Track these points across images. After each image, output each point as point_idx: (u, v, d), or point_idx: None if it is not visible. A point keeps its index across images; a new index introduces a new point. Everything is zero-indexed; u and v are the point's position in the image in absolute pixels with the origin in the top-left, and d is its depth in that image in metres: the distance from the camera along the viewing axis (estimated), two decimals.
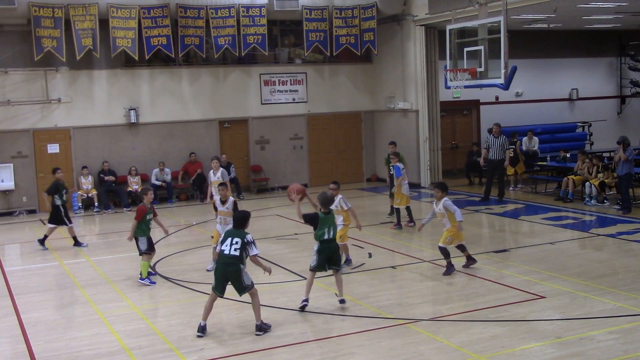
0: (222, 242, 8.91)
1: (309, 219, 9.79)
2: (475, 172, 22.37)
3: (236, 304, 10.27)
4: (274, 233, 15.70)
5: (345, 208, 11.66)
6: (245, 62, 22.20)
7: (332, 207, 10.77)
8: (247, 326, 9.30)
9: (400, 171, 15.29)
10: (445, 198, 11.45)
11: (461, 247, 11.65)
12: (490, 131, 19.24)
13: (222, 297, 8.95)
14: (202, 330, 8.89)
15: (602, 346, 8.06)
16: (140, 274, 11.72)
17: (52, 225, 14.90)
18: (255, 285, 9.03)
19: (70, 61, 19.61)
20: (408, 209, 15.54)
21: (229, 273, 8.77)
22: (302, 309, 9.77)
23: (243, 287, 8.81)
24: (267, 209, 19.13)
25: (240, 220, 9.13)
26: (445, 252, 11.48)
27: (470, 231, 15.57)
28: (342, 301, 9.94)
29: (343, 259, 11.39)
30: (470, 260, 11.77)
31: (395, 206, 15.68)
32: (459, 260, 11.90)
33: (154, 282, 11.73)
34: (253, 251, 8.91)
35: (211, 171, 14.83)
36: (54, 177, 15.22)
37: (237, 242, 8.77)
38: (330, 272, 9.99)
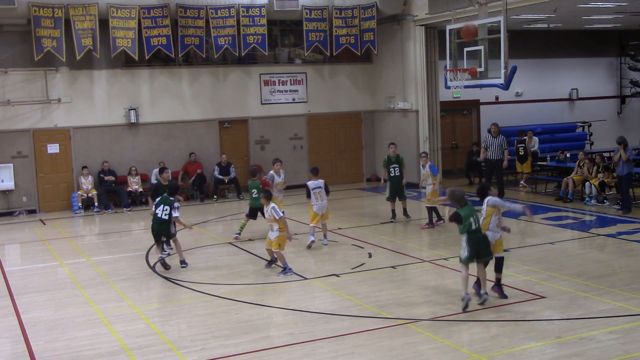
0: (156, 206, 12.44)
1: (455, 218, 9.63)
2: (475, 172, 22.36)
3: (236, 304, 10.28)
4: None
5: (277, 217, 11.66)
6: (245, 62, 22.19)
7: (266, 216, 11.79)
8: (247, 326, 9.31)
9: (436, 169, 15.76)
10: (430, 162, 14.50)
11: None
12: (489, 131, 19.28)
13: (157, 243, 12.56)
14: None
15: (602, 346, 8.06)
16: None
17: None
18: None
19: (70, 61, 19.61)
20: (434, 208, 15.56)
21: (162, 230, 12.40)
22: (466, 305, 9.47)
23: (170, 235, 12.55)
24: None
25: (173, 190, 13.03)
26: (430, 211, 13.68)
27: None
28: (484, 294, 9.69)
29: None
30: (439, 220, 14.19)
31: (428, 205, 15.57)
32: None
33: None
34: (175, 214, 12.40)
35: (271, 172, 14.89)
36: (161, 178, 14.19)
37: (166, 209, 12.35)
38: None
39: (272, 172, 14.90)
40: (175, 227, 12.78)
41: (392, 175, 15.98)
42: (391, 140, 22.95)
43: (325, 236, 14.20)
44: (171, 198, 12.53)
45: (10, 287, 11.85)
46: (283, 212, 11.88)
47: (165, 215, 12.35)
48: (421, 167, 15.72)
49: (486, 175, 19.29)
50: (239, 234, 14.88)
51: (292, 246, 14.20)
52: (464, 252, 9.62)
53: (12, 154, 19.64)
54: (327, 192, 14.09)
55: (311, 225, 13.96)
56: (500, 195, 18.65)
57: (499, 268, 10.08)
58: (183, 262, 12.61)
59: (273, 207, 11.68)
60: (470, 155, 22.76)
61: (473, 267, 9.82)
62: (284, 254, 11.91)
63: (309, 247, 13.81)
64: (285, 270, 11.84)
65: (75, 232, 17.52)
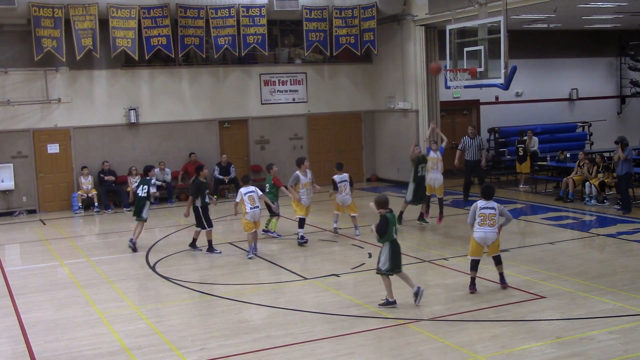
0: (137, 187, 14.38)
1: (382, 229, 9.63)
2: (475, 173, 22.29)
3: (236, 304, 10.28)
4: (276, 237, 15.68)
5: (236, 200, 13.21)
6: (245, 62, 22.20)
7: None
8: (247, 326, 9.31)
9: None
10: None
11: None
12: (476, 133, 19.42)
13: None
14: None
15: (602, 346, 8.06)
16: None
17: (198, 229, 13.69)
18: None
19: (70, 61, 19.60)
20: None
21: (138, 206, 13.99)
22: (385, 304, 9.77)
23: (140, 215, 14.14)
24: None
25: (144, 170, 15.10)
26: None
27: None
28: (420, 291, 9.85)
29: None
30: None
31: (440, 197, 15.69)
32: (460, 260, 11.88)
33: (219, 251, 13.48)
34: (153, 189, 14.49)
35: (297, 172, 14.25)
36: (199, 176, 13.77)
37: (145, 188, 14.19)
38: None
39: (297, 172, 14.32)
40: (146, 212, 14.38)
41: (419, 175, 15.51)
42: (391, 140, 23.11)
43: (356, 227, 14.93)
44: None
45: (10, 287, 11.85)
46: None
47: (144, 192, 14.28)
48: (432, 152, 15.78)
49: (465, 176, 19.24)
50: (274, 232, 15.21)
51: (293, 246, 14.20)
52: (386, 264, 9.67)
53: (12, 154, 19.64)
54: (352, 185, 14.89)
55: (335, 212, 15.03)
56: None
57: (500, 262, 10.51)
58: (132, 242, 14.19)
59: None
60: None
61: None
62: (252, 238, 13.19)
63: (335, 232, 15.00)
64: (249, 253, 13.17)
65: (75, 232, 17.51)
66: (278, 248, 14.18)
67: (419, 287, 9.81)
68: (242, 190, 13.18)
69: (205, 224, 13.51)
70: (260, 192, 13.32)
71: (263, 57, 21.93)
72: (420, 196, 15.57)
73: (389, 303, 9.75)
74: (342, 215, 15.06)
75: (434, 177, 15.55)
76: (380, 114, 23.63)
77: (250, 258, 13.11)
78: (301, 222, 14.27)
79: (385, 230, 9.54)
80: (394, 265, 9.68)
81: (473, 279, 10.41)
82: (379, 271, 9.80)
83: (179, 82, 21.46)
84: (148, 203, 14.49)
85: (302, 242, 14.14)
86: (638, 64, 27.06)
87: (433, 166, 15.52)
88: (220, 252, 13.53)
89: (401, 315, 9.44)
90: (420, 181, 15.52)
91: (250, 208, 12.95)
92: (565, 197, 18.19)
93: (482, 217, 10.21)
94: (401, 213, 15.61)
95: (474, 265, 10.38)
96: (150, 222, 17.91)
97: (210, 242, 13.67)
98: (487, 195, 10.34)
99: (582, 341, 8.24)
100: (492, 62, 15.69)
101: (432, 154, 15.68)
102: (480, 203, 10.28)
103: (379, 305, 9.78)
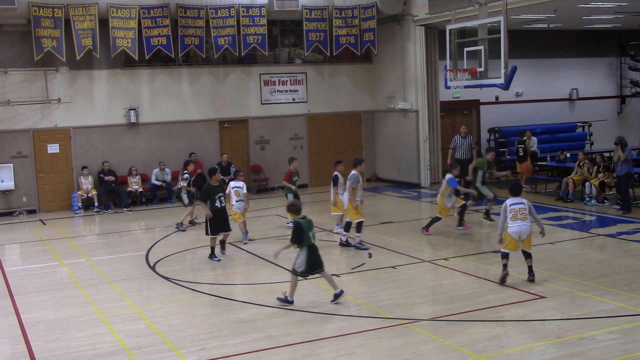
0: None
1: (297, 237, 9.89)
2: (465, 172, 22.30)
3: (236, 304, 10.29)
4: (274, 233, 15.70)
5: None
6: (245, 62, 22.20)
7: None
8: (247, 326, 9.31)
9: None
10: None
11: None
12: (472, 132, 19.46)
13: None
14: None
15: (602, 346, 8.06)
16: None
17: (213, 236, 13.11)
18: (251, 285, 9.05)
19: (70, 61, 19.61)
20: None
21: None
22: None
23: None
24: (267, 208, 19.12)
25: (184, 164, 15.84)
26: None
27: (471, 231, 15.58)
28: (340, 294, 10.04)
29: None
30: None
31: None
32: (461, 260, 11.87)
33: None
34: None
35: (356, 173, 13.69)
36: (211, 180, 13.46)
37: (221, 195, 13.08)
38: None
39: (356, 172, 13.50)
40: (186, 199, 16.34)
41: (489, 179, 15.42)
42: (391, 140, 23.11)
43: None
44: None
45: (10, 287, 11.85)
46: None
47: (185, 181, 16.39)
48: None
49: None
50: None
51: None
52: (302, 267, 9.86)
53: (12, 154, 19.64)
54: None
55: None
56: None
57: (529, 256, 10.81)
58: (179, 225, 15.76)
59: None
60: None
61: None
62: (243, 227, 14.36)
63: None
64: (245, 239, 14.30)
65: (75, 232, 17.51)
66: (278, 248, 14.15)
67: (341, 290, 10.04)
68: (232, 184, 14.50)
69: (209, 230, 12.97)
70: (245, 189, 14.47)
71: (263, 57, 21.93)
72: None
73: (287, 301, 9.92)
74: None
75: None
76: (380, 114, 23.63)
77: (245, 243, 14.18)
78: (359, 226, 13.57)
79: (301, 236, 9.79)
80: (310, 269, 9.88)
81: (505, 265, 10.75)
82: (293, 272, 9.98)
83: (179, 82, 21.46)
84: (183, 194, 16.56)
85: (364, 248, 13.48)
86: (638, 64, 27.06)
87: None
88: (219, 260, 13.05)
89: (401, 315, 9.44)
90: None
91: (236, 201, 14.30)
92: (565, 197, 18.19)
93: (513, 213, 10.65)
94: (487, 212, 15.82)
95: (505, 255, 10.78)
96: (150, 222, 17.98)
97: (212, 249, 13.18)
98: (515, 192, 10.87)
99: (582, 341, 8.24)
100: (492, 62, 15.70)
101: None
102: (509, 201, 10.77)
103: (278, 298, 10.02)
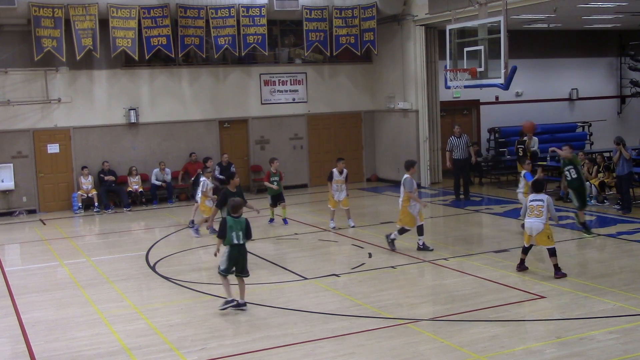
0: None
1: (221, 232, 9.87)
2: (475, 172, 22.37)
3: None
4: (273, 233, 15.70)
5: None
6: (245, 62, 22.19)
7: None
8: (247, 326, 9.31)
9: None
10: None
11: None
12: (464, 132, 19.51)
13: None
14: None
15: (602, 346, 8.06)
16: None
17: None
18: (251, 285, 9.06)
19: (70, 61, 19.60)
20: None
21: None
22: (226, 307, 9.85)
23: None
24: (267, 209, 19.10)
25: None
26: (553, 252, 11.08)
27: (471, 231, 15.61)
28: (242, 304, 9.93)
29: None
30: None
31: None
32: (461, 260, 11.85)
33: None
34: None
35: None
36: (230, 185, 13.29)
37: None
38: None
39: (408, 175, 13.11)
40: (197, 195, 16.05)
41: (568, 179, 14.42)
42: (391, 140, 23.10)
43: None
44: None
45: (10, 287, 11.85)
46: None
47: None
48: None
49: (454, 176, 19.29)
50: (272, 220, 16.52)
51: (292, 246, 14.20)
52: (222, 265, 9.83)
53: (12, 154, 19.64)
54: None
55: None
56: (466, 194, 18.88)
57: (552, 254, 11.07)
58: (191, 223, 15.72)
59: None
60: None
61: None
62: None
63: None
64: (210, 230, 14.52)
65: (75, 232, 17.52)
66: (278, 248, 14.18)
67: (245, 303, 9.90)
68: (207, 181, 15.29)
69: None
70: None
71: (263, 57, 21.93)
72: (582, 199, 14.27)
73: (227, 303, 9.82)
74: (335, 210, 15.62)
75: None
76: (380, 114, 23.62)
77: (212, 233, 14.48)
78: (420, 230, 13.15)
79: (224, 232, 9.75)
80: (229, 267, 9.80)
81: (522, 260, 11.36)
82: (218, 270, 9.96)
83: (179, 82, 21.46)
84: (197, 188, 16.36)
85: (430, 249, 13.12)
86: (638, 64, 27.06)
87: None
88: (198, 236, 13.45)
89: (401, 315, 9.44)
90: (574, 184, 14.32)
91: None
92: (565, 197, 18.16)
93: (530, 209, 11.06)
94: (583, 224, 14.23)
95: (524, 249, 11.33)
96: (150, 222, 17.98)
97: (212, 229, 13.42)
98: (537, 188, 11.35)
99: (582, 341, 8.24)
100: (492, 62, 15.69)
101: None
102: (531, 196, 11.21)
103: (220, 308, 9.81)
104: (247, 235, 9.86)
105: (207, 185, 15.35)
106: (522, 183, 14.52)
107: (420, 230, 13.08)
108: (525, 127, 18.04)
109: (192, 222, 15.86)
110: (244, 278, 9.95)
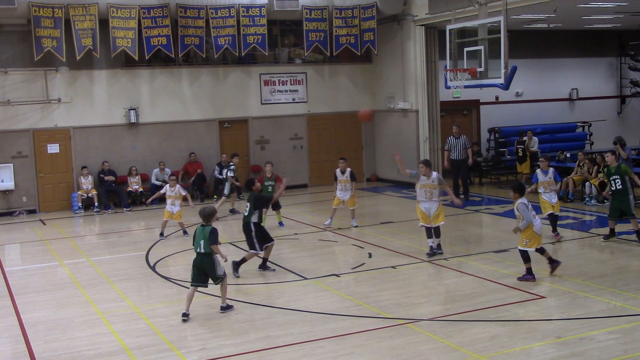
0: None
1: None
2: (475, 172, 22.37)
3: (236, 304, 10.27)
4: (274, 233, 15.65)
5: None
6: (245, 62, 22.19)
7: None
8: (247, 326, 9.31)
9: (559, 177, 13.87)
10: (521, 200, 10.85)
11: (540, 250, 10.98)
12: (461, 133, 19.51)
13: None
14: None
15: (602, 346, 8.06)
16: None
17: (252, 251, 11.97)
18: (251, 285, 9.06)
19: (70, 61, 19.61)
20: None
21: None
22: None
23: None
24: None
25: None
26: (525, 256, 10.80)
27: (471, 231, 15.60)
28: (224, 307, 9.94)
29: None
30: (554, 263, 10.98)
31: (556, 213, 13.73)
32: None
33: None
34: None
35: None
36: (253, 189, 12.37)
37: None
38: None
39: (420, 172, 12.73)
40: (226, 189, 17.93)
41: (613, 189, 13.47)
42: (391, 140, 23.10)
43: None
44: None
45: (10, 287, 11.85)
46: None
47: (222, 175, 18.89)
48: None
49: (452, 176, 19.31)
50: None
51: (292, 246, 14.20)
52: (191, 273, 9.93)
53: (12, 154, 19.64)
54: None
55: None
56: (465, 194, 18.90)
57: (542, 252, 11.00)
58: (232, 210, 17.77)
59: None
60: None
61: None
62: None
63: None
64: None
65: (75, 232, 17.52)
66: (278, 248, 14.16)
67: (223, 305, 9.90)
68: (178, 187, 15.66)
69: (256, 245, 11.79)
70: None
71: (263, 57, 21.93)
72: (618, 208, 13.31)
73: (184, 315, 9.63)
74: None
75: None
76: (380, 114, 23.61)
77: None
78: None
79: (193, 241, 9.88)
80: (192, 276, 9.83)
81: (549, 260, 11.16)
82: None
83: (179, 82, 21.46)
84: (227, 184, 17.88)
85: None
86: (638, 64, 27.06)
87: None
88: (274, 270, 12.10)
89: (401, 315, 9.44)
90: (615, 194, 13.40)
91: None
92: (565, 197, 18.18)
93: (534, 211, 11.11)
94: (612, 231, 13.57)
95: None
96: (150, 222, 17.98)
97: (265, 260, 12.27)
98: (520, 192, 11.13)
99: (582, 341, 8.24)
100: (492, 62, 15.68)
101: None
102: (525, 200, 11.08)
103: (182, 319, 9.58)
104: (212, 242, 9.65)
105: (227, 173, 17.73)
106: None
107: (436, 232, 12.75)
108: (362, 115, 16.17)
109: (233, 209, 18.08)
110: (220, 284, 9.84)
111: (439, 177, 12.83)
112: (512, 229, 11.36)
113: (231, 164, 18.32)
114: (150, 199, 16.79)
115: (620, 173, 13.26)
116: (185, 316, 9.60)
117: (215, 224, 10.03)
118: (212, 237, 9.67)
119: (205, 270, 9.76)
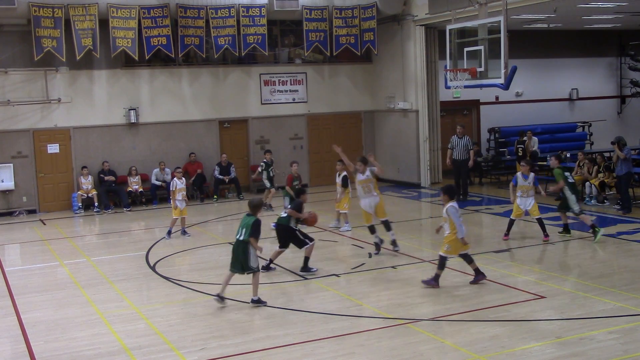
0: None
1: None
2: (475, 172, 22.37)
3: (236, 304, 10.28)
4: (274, 233, 15.66)
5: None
6: (245, 62, 22.19)
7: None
8: (247, 326, 9.31)
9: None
10: (451, 204, 10.54)
11: (468, 259, 10.80)
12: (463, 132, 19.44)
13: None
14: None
15: (602, 346, 8.06)
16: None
17: (306, 246, 11.97)
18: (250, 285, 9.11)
19: (70, 61, 19.61)
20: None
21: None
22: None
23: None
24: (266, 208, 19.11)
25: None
26: (441, 262, 10.64)
27: (471, 231, 15.55)
28: (255, 301, 10.11)
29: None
30: (479, 275, 10.73)
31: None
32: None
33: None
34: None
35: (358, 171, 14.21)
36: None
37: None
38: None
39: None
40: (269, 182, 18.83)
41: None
42: (391, 140, 23.10)
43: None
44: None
45: (10, 287, 11.85)
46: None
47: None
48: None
49: (454, 176, 19.35)
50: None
51: (292, 246, 14.17)
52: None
53: (12, 154, 19.64)
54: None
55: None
56: (464, 194, 18.90)
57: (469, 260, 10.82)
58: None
59: None
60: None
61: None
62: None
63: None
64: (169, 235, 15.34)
65: (75, 232, 17.51)
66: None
67: (219, 296, 10.18)
68: (177, 181, 15.40)
69: (306, 239, 11.92)
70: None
71: (263, 57, 21.93)
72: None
73: (218, 297, 10.13)
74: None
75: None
76: (380, 114, 23.62)
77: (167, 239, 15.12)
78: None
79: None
80: (231, 261, 10.28)
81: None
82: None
83: (179, 82, 21.46)
84: (265, 179, 18.69)
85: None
86: (638, 64, 27.06)
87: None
88: (316, 270, 11.94)
89: (401, 315, 9.44)
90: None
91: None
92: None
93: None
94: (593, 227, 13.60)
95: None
96: (150, 222, 17.99)
97: (270, 261, 12.29)
98: (451, 195, 10.75)
99: (582, 341, 8.24)
100: (492, 62, 15.69)
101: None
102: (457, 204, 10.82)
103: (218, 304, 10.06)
104: (252, 234, 9.94)
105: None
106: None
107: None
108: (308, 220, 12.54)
109: (271, 205, 18.50)
110: (251, 275, 10.07)
111: (371, 169, 13.18)
112: (435, 228, 11.22)
113: (264, 160, 18.94)
114: (173, 201, 15.36)
115: (555, 176, 14.12)
116: (219, 298, 10.04)
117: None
118: (253, 230, 9.97)
119: (239, 257, 9.96)
